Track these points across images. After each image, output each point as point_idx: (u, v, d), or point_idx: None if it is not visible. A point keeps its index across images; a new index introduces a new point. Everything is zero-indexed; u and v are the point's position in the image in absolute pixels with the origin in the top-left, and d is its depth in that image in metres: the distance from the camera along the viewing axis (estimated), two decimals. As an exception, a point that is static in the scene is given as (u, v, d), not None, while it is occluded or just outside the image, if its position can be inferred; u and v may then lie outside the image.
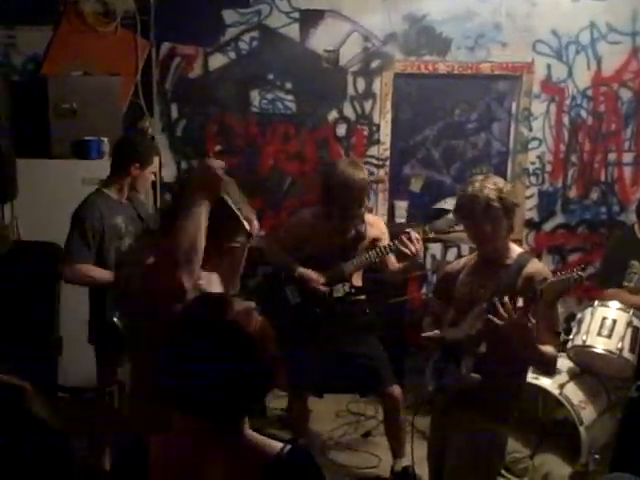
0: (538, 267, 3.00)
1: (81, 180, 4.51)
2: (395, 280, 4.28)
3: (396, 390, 3.99)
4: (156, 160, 4.04)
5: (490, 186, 2.88)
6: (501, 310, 2.71)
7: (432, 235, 4.01)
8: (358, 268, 4.04)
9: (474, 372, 2.88)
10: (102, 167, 4.51)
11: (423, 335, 3.12)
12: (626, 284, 4.51)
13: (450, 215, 3.66)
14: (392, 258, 4.04)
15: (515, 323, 2.70)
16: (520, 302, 2.73)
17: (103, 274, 3.72)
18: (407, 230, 3.86)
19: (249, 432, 1.65)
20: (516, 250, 3.04)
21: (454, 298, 3.07)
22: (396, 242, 3.86)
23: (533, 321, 2.72)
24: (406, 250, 3.80)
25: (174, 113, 5.33)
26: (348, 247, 4.02)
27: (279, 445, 1.64)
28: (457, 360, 2.94)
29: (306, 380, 4.13)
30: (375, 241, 4.03)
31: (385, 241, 4.04)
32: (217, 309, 1.64)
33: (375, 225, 4.11)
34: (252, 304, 1.70)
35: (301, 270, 4.04)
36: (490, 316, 2.74)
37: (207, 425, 1.60)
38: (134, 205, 3.99)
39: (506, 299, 2.72)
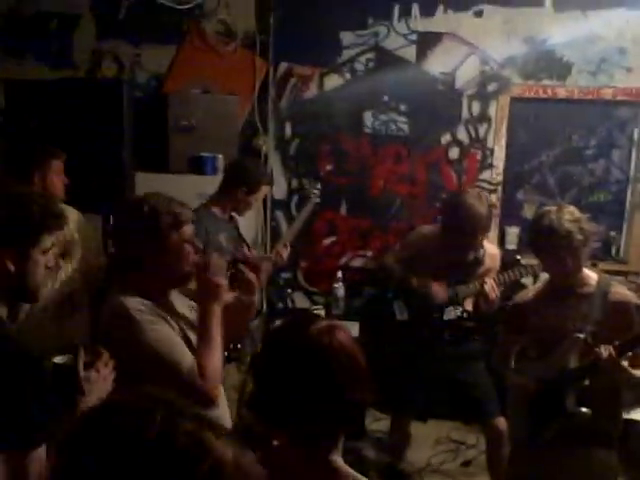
0: (623, 292, 2.96)
1: (196, 195, 4.62)
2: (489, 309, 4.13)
3: (501, 422, 3.86)
4: (265, 189, 4.08)
5: (568, 217, 2.83)
6: (604, 353, 2.71)
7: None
8: (472, 294, 3.96)
9: (579, 406, 2.86)
10: (216, 183, 4.63)
11: (514, 383, 3.13)
12: None
13: None
14: None
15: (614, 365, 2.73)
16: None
17: None
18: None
19: (338, 462, 1.62)
20: (592, 276, 2.98)
21: (527, 331, 3.07)
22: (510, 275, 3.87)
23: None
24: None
25: (288, 132, 5.41)
26: (465, 271, 3.95)
27: None
28: (558, 395, 2.90)
29: (411, 403, 4.08)
30: (487, 271, 3.96)
31: (494, 272, 3.97)
32: (299, 327, 1.66)
33: (492, 257, 4.02)
34: (337, 322, 1.70)
35: (418, 280, 3.98)
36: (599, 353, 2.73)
37: (295, 445, 1.61)
38: (235, 224, 4.05)
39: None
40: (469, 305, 4.00)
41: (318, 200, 4.58)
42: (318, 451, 1.61)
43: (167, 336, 2.27)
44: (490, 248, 4.03)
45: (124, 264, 2.38)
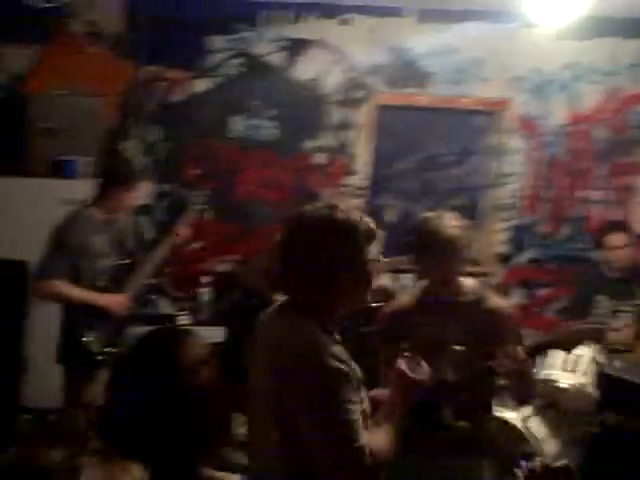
0: (498, 302, 3.00)
1: (59, 200, 4.51)
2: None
3: None
4: (143, 185, 4.01)
5: (450, 224, 2.81)
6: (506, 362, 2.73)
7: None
8: None
9: (455, 418, 2.84)
10: (80, 187, 4.53)
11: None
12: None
13: None
14: None
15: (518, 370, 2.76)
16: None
17: (76, 292, 3.68)
18: None
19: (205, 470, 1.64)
20: (467, 283, 2.99)
21: (405, 340, 2.85)
22: None
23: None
24: None
25: (155, 136, 5.37)
26: None
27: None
28: (434, 406, 2.83)
29: None
30: None
31: None
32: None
33: None
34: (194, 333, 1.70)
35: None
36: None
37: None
38: (118, 227, 3.93)
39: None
40: None
41: (201, 207, 4.53)
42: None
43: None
44: None
45: (294, 284, 2.02)
